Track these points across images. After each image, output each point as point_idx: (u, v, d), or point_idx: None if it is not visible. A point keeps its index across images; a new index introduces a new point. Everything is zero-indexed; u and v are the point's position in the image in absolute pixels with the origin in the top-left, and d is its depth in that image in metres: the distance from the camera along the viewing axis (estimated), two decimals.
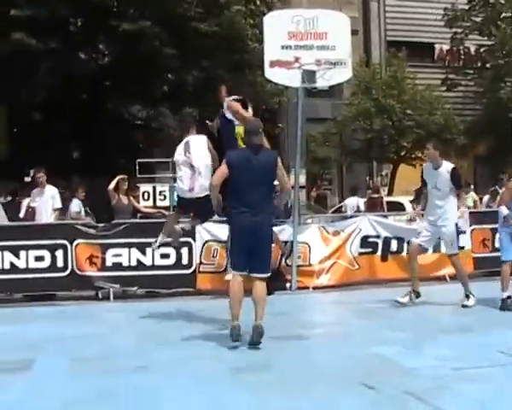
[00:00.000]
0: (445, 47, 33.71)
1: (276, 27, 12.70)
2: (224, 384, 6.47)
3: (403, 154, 28.56)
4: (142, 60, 19.54)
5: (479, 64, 32.25)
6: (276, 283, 12.79)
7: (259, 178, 8.07)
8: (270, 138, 10.25)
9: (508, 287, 10.19)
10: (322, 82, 12.84)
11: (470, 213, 13.56)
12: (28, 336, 9.06)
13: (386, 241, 13.54)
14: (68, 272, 12.38)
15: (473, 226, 13.74)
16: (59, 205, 13.66)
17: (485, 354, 7.38)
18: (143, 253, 12.31)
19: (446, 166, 10.62)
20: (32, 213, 13.44)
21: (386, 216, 15.21)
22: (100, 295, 12.63)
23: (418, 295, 10.73)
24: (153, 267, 12.56)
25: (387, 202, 19.65)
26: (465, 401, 5.79)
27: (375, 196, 19.78)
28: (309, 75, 12.64)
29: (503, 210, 10.36)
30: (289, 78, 12.76)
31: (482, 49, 31.59)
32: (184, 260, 12.73)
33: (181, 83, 21.81)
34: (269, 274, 8.28)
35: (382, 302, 10.93)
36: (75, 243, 12.40)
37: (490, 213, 13.71)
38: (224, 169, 8.17)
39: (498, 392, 5.99)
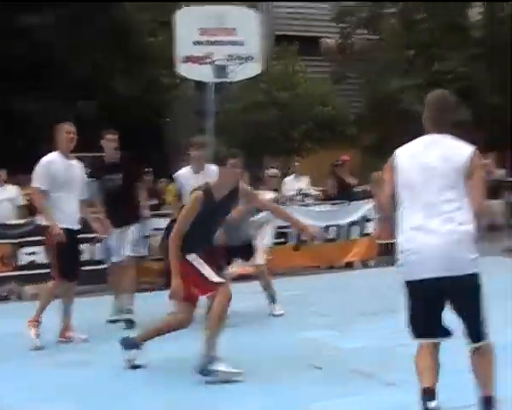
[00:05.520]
0: (332, 41, 34.26)
1: (188, 23, 12.94)
2: None
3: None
4: None
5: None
6: None
7: None
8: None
9: None
10: (232, 77, 13.21)
11: None
12: None
13: None
14: None
15: None
16: None
17: None
18: None
19: None
20: None
21: None
22: None
23: None
24: None
25: None
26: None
27: None
28: (220, 70, 12.98)
29: None
30: (202, 73, 13.06)
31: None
32: None
33: None
34: None
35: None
36: None
37: None
38: None
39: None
